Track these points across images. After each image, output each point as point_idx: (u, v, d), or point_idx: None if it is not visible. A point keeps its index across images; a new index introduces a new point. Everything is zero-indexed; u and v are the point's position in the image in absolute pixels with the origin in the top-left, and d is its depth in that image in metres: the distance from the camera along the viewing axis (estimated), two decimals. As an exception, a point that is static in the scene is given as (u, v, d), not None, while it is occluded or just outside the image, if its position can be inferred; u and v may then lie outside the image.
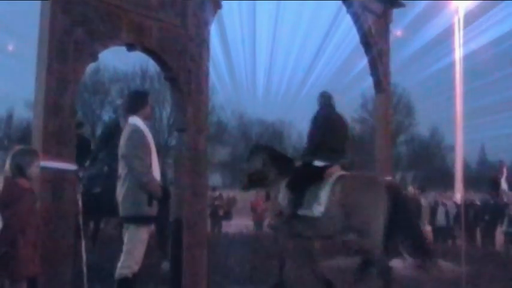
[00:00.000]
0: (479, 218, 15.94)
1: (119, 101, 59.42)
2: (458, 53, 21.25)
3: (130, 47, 6.64)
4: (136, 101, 6.08)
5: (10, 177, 4.99)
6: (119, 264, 5.77)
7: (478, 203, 16.82)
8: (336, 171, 7.07)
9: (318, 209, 6.97)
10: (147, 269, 6.17)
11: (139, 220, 5.77)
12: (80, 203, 6.06)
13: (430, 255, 7.48)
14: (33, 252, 4.91)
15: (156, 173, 5.87)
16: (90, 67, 6.10)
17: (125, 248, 5.80)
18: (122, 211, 5.84)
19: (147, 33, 6.63)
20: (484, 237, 15.97)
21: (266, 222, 18.75)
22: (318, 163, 7.27)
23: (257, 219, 18.53)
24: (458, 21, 20.64)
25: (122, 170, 5.83)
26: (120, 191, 5.83)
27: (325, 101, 7.56)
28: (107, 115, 59.32)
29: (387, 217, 6.77)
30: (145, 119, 6.00)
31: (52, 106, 5.67)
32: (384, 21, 11.33)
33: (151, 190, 5.73)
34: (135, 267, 5.78)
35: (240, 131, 48.03)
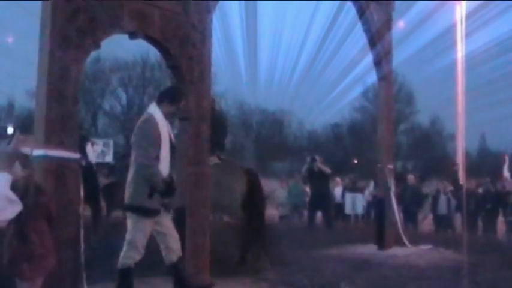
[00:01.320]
0: (480, 206, 15.96)
1: (119, 90, 59.56)
2: (460, 43, 21.18)
3: (132, 35, 6.61)
4: (167, 94, 6.16)
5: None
6: (121, 254, 5.80)
7: (480, 191, 16.84)
8: (212, 161, 8.15)
9: None
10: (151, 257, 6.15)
11: (138, 211, 5.77)
12: (82, 192, 6.06)
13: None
14: (46, 249, 4.65)
15: (164, 166, 5.85)
16: (90, 56, 6.06)
17: (126, 237, 5.82)
18: (125, 199, 5.87)
19: (149, 21, 6.60)
20: (485, 226, 16.01)
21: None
22: None
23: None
24: (461, 10, 20.55)
25: (132, 159, 5.86)
26: (127, 179, 5.86)
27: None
28: (107, 104, 59.47)
29: (244, 197, 8.45)
30: (165, 115, 5.98)
31: (54, 95, 5.65)
32: (386, 9, 11.29)
33: (151, 182, 5.71)
34: (137, 257, 5.79)
35: (241, 119, 47.97)
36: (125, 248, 5.80)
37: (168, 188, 5.84)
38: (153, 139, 5.76)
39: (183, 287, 6.09)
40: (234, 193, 8.39)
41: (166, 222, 5.99)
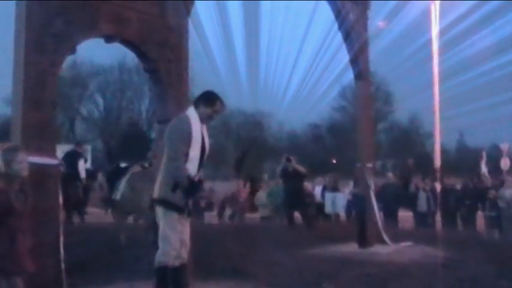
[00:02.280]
0: (459, 202, 16.11)
1: (97, 95, 59.18)
2: (435, 41, 21.41)
3: (109, 38, 6.57)
4: (202, 97, 6.19)
5: None
6: (157, 253, 5.89)
7: (458, 187, 17.00)
8: (134, 169, 10.49)
9: (117, 194, 10.52)
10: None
11: (165, 204, 5.88)
12: (61, 198, 6.01)
13: None
14: (12, 249, 4.77)
15: (193, 166, 5.93)
16: (67, 61, 6.05)
17: (159, 235, 5.93)
18: (153, 194, 6.04)
19: (126, 24, 6.57)
20: (464, 222, 16.16)
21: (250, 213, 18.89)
22: (123, 165, 11.45)
23: (239, 210, 18.51)
24: (435, 8, 20.77)
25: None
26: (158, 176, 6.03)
27: None
28: (85, 109, 59.05)
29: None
30: (201, 118, 6.08)
31: (31, 100, 5.60)
32: (362, 8, 11.34)
33: (175, 177, 5.80)
34: (172, 253, 5.85)
35: (220, 121, 47.92)
36: (160, 245, 5.89)
37: (192, 187, 5.91)
38: (183, 136, 5.87)
39: None
40: (144, 197, 9.15)
41: (186, 225, 6.07)
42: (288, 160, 14.16)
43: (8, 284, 4.78)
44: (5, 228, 4.75)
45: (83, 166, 13.87)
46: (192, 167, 5.93)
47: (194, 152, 5.94)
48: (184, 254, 6.07)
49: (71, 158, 13.83)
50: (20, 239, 4.76)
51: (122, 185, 10.45)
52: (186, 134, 5.90)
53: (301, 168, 14.25)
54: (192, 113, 6.07)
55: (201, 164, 6.07)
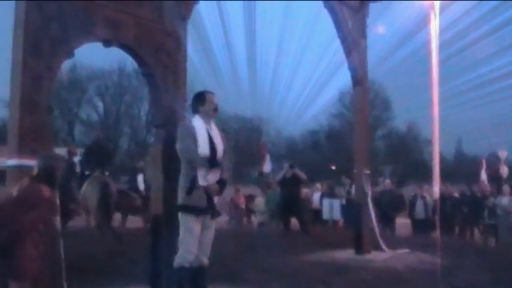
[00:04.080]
0: (457, 210, 16.10)
1: (96, 99, 59.24)
2: (434, 49, 21.42)
3: (107, 43, 6.58)
4: (195, 102, 6.36)
5: (33, 180, 4.98)
6: (177, 255, 6.10)
7: (456, 195, 17.00)
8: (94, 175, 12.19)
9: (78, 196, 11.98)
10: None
11: (184, 209, 6.09)
12: (58, 201, 6.01)
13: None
14: (37, 252, 4.91)
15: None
16: (66, 65, 6.08)
17: (179, 239, 6.14)
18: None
19: (123, 29, 6.58)
20: (462, 229, 16.16)
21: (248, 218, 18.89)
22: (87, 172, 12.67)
23: (238, 216, 18.52)
24: (434, 15, 20.78)
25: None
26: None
27: None
28: (84, 113, 59.07)
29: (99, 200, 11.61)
30: (207, 115, 6.31)
31: (28, 104, 5.60)
32: (361, 15, 11.37)
33: (192, 163, 6.03)
34: (189, 257, 6.04)
35: (218, 127, 47.86)
36: (179, 248, 6.09)
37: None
38: (188, 137, 6.09)
39: None
40: (94, 199, 11.61)
41: (208, 227, 6.24)
42: (292, 167, 14.30)
43: (19, 287, 4.86)
44: (39, 233, 4.90)
45: (141, 180, 15.00)
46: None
47: (203, 153, 6.10)
48: (204, 256, 6.24)
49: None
50: (31, 244, 4.86)
51: (82, 188, 12.10)
52: (192, 136, 6.09)
53: (302, 175, 14.33)
54: (195, 121, 6.25)
55: (217, 163, 6.22)
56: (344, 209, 16.72)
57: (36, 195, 4.88)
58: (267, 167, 19.46)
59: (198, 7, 7.68)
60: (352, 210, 15.82)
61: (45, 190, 4.93)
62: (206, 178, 6.08)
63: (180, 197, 6.13)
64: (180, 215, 6.15)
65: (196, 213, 6.10)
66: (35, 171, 5.07)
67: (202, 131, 6.19)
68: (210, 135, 6.25)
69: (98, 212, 11.66)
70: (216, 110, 6.42)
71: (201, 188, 6.06)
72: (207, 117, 6.31)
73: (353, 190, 16.42)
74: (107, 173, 12.50)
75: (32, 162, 5.45)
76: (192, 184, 6.07)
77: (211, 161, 6.18)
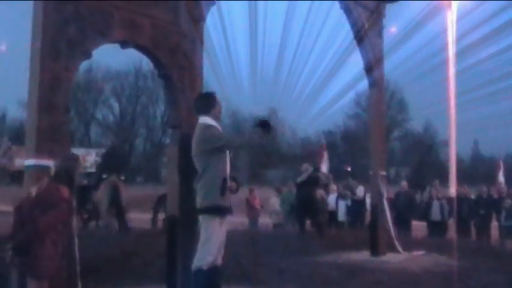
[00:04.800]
0: (473, 211, 15.99)
1: (112, 100, 59.63)
2: (451, 48, 21.28)
3: (124, 44, 6.62)
4: (207, 103, 6.32)
5: (52, 180, 5.05)
6: (196, 256, 6.02)
7: (473, 197, 16.88)
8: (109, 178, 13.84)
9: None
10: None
11: (208, 211, 6.01)
12: (74, 201, 6.06)
13: None
14: (56, 252, 4.97)
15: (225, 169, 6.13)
16: (83, 66, 6.13)
17: (200, 240, 6.03)
18: (197, 205, 6.10)
19: (139, 30, 6.61)
20: (478, 231, 16.03)
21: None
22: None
23: (253, 217, 18.51)
24: (451, 16, 20.66)
25: (198, 168, 6.09)
26: (196, 189, 6.09)
27: None
28: (100, 114, 59.45)
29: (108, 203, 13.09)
30: (216, 118, 6.27)
31: (45, 104, 5.65)
32: (377, 16, 11.33)
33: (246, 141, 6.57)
34: (209, 259, 5.96)
35: (233, 128, 47.93)
36: (198, 250, 6.02)
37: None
38: (212, 127, 6.11)
39: None
40: (104, 201, 12.94)
41: (224, 226, 6.20)
42: (317, 170, 14.49)
43: (38, 285, 4.96)
44: (57, 232, 4.95)
45: None
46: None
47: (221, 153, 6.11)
48: (220, 257, 6.18)
49: None
50: (50, 243, 4.91)
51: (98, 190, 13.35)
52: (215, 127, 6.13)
53: (327, 176, 14.59)
54: (207, 120, 6.19)
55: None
56: (349, 209, 16.96)
57: (55, 196, 4.93)
58: (324, 166, 19.70)
59: (216, 5, 7.67)
60: (356, 210, 16.85)
61: (64, 190, 4.98)
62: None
63: (208, 198, 6.00)
64: (202, 217, 6.06)
65: (224, 213, 6.10)
66: (53, 171, 5.11)
67: (217, 131, 6.19)
68: None
69: (107, 213, 12.96)
70: (221, 112, 6.44)
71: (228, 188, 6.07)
72: (216, 119, 6.29)
73: (358, 192, 16.87)
74: (122, 177, 13.81)
75: (49, 163, 5.50)
76: (225, 184, 6.03)
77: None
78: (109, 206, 12.84)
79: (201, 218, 6.09)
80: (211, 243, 5.98)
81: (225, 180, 6.04)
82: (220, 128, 6.24)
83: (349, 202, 17.23)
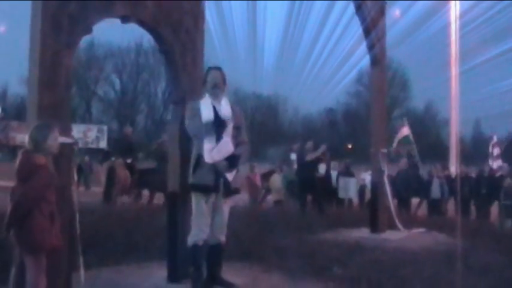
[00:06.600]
0: (473, 191, 16.04)
1: (113, 76, 59.49)
2: (454, 28, 21.17)
3: (125, 19, 6.57)
4: (203, 80, 6.50)
5: (27, 152, 5.05)
6: (190, 233, 6.21)
7: (473, 175, 16.92)
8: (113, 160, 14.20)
9: None
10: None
11: (193, 188, 6.22)
12: (76, 176, 6.09)
13: None
14: (50, 224, 4.96)
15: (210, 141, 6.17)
16: (84, 42, 6.10)
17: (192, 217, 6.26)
18: None
19: (141, 5, 6.56)
20: (478, 210, 16.10)
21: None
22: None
23: (253, 194, 18.57)
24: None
25: None
26: None
27: None
28: (101, 90, 59.34)
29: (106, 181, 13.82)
30: (211, 94, 6.32)
31: (46, 81, 5.63)
32: (379, -7, 11.24)
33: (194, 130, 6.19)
34: (201, 235, 6.12)
35: (235, 105, 47.85)
36: (191, 227, 6.20)
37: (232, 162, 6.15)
38: (192, 114, 6.23)
39: (214, 273, 6.35)
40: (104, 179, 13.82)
41: (220, 205, 6.25)
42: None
43: (33, 259, 4.92)
44: (46, 203, 4.94)
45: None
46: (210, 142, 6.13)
47: (207, 128, 6.12)
48: (219, 234, 6.29)
49: None
50: (40, 215, 4.90)
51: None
52: (196, 113, 6.20)
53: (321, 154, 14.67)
54: (204, 98, 6.35)
55: (224, 138, 6.19)
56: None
57: (28, 165, 4.95)
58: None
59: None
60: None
61: (38, 158, 4.98)
62: (212, 155, 6.09)
63: (190, 177, 6.24)
64: (192, 195, 6.25)
65: (203, 191, 6.15)
66: (28, 143, 5.09)
67: (208, 109, 6.21)
68: (216, 110, 6.23)
69: (105, 190, 13.88)
70: (214, 86, 6.35)
71: (206, 165, 6.09)
72: (215, 94, 6.31)
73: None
74: (129, 160, 14.34)
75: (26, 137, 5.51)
76: (197, 162, 6.15)
77: (218, 136, 6.17)
78: (107, 186, 13.79)
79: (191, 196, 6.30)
80: (198, 219, 6.13)
81: (197, 157, 6.15)
82: (209, 105, 6.25)
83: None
